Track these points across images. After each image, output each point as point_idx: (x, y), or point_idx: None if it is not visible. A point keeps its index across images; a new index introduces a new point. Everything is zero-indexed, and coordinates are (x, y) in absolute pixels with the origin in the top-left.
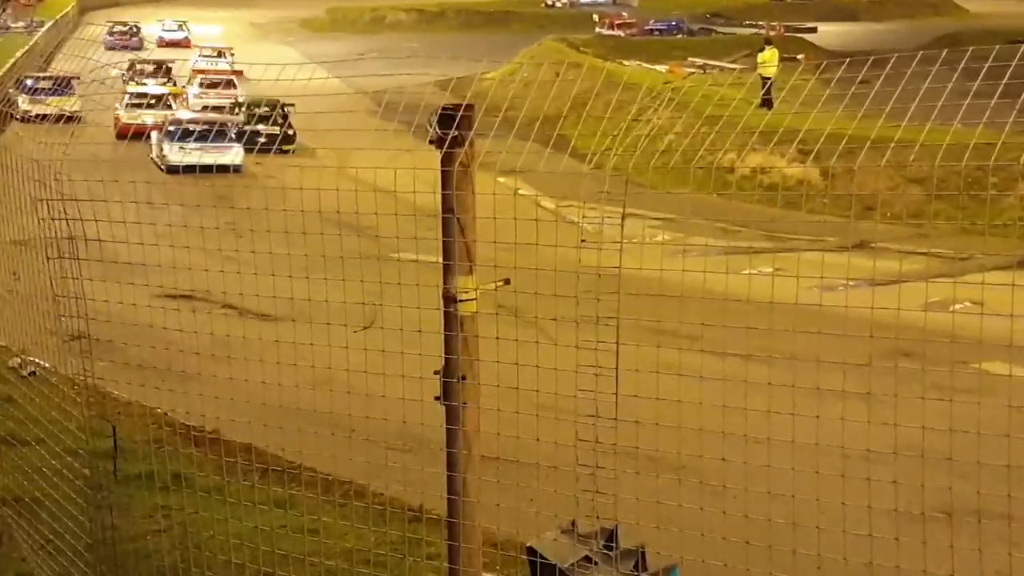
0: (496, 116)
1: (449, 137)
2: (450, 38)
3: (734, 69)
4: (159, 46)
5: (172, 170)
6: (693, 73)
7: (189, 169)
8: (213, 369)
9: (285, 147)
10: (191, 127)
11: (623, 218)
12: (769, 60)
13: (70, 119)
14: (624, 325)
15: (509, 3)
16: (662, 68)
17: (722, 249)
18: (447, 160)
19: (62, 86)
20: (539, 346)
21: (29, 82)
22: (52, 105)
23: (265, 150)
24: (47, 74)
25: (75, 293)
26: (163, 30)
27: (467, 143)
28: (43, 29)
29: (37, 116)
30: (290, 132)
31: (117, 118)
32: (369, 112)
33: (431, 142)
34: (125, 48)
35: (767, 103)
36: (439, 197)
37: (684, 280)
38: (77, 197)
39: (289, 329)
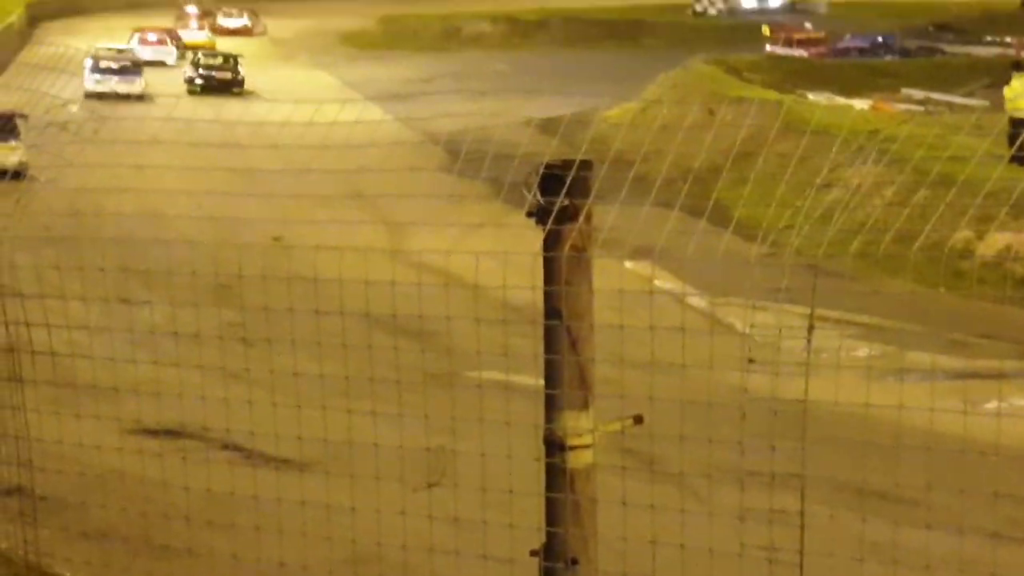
0: (624, 174)
1: (556, 207)
2: (555, 59)
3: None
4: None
5: (89, 95)
6: (909, 112)
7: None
8: (209, 542)
9: (235, 90)
10: (106, 63)
11: (811, 326)
12: (1022, 93)
13: (16, 175)
14: (812, 484)
15: (640, 9)
16: (863, 104)
17: (955, 372)
18: (553, 240)
19: (2, 129)
20: (686, 515)
21: None
22: None
23: (217, 89)
24: None
25: (14, 430)
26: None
27: (582, 216)
28: None
29: None
30: (239, 78)
31: None
32: (441, 168)
33: (530, 214)
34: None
35: (1021, 159)
36: (539, 294)
37: (900, 419)
38: (22, 292)
39: (320, 484)
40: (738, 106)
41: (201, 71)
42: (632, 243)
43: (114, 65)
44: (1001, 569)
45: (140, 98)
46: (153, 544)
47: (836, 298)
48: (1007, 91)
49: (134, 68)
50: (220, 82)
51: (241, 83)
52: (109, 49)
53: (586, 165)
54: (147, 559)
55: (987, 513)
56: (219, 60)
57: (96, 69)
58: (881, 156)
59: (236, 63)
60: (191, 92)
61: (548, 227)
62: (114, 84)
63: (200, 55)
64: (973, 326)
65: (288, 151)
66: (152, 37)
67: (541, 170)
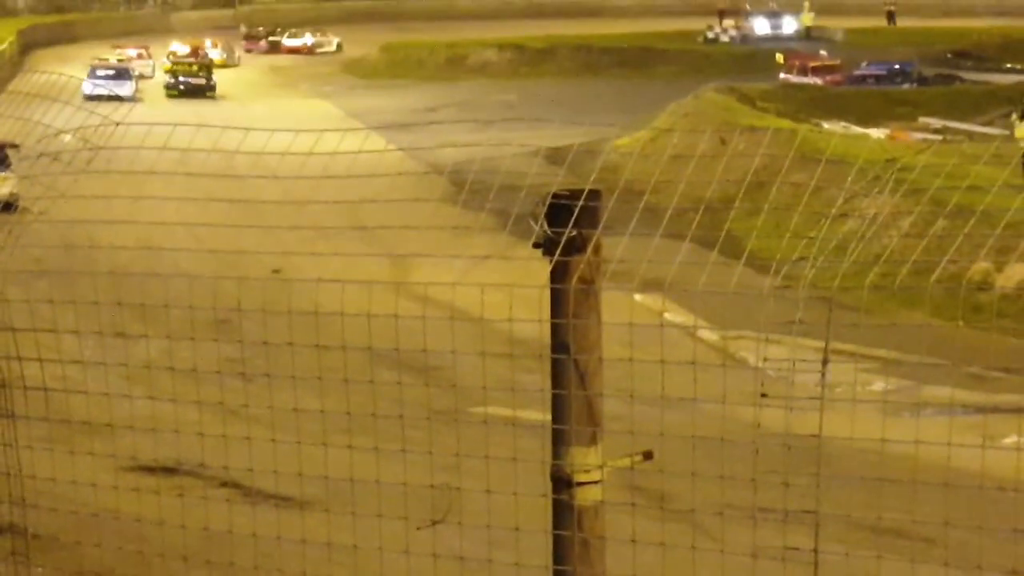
0: (633, 204)
1: (563, 238)
2: (563, 88)
3: (991, 136)
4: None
5: (88, 98)
6: (927, 141)
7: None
8: None
9: (208, 94)
10: (102, 71)
11: (825, 360)
12: None
13: (8, 207)
14: (827, 522)
15: (650, 37)
16: (880, 133)
17: (974, 407)
18: (560, 272)
19: None
20: (697, 553)
21: None
22: None
23: (191, 93)
24: None
25: (6, 467)
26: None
27: (590, 247)
28: None
29: None
30: (211, 83)
31: None
32: (445, 199)
33: (536, 245)
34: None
35: None
36: (546, 327)
37: (917, 454)
38: (14, 325)
39: (322, 522)
40: (750, 135)
41: (180, 78)
42: (642, 275)
43: (109, 72)
44: None
45: (131, 99)
46: None
47: (851, 331)
48: (1016, 120)
49: (126, 74)
50: (195, 87)
51: (213, 88)
52: (104, 59)
53: (594, 195)
54: None
55: (1005, 550)
56: (195, 68)
57: (94, 76)
58: (898, 186)
59: (210, 71)
60: (170, 96)
61: (555, 259)
62: (109, 87)
63: (176, 67)
64: (992, 360)
65: (288, 182)
66: (132, 52)
67: (548, 200)
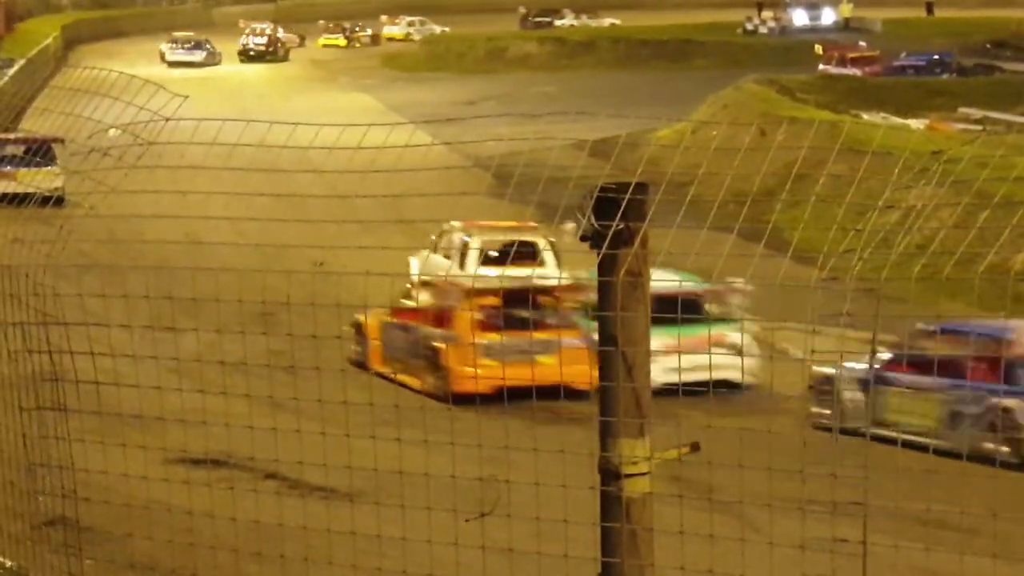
0: (672, 196)
1: (611, 231)
2: (603, 80)
3: None
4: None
5: (171, 64)
6: (969, 132)
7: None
8: (258, 574)
9: (268, 58)
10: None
11: (873, 351)
12: None
13: (48, 200)
14: (875, 514)
15: (689, 29)
16: (919, 124)
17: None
18: (608, 265)
19: (37, 153)
20: (745, 545)
21: None
22: (22, 180)
23: (259, 58)
24: (16, 135)
25: (58, 460)
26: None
27: (637, 240)
28: (11, 71)
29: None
30: (276, 50)
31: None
32: (490, 193)
33: (584, 238)
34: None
35: None
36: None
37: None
38: (65, 319)
39: (371, 514)
40: (790, 126)
41: (252, 43)
42: (687, 268)
43: (186, 44)
44: None
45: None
46: None
47: (897, 324)
48: None
49: (198, 45)
50: (262, 51)
51: (275, 53)
52: (182, 33)
53: (641, 188)
54: None
55: None
56: (264, 39)
57: (174, 45)
58: (944, 178)
59: (277, 41)
60: (242, 60)
61: (603, 252)
62: (185, 56)
63: (250, 36)
64: None
65: (333, 177)
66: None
67: (595, 193)
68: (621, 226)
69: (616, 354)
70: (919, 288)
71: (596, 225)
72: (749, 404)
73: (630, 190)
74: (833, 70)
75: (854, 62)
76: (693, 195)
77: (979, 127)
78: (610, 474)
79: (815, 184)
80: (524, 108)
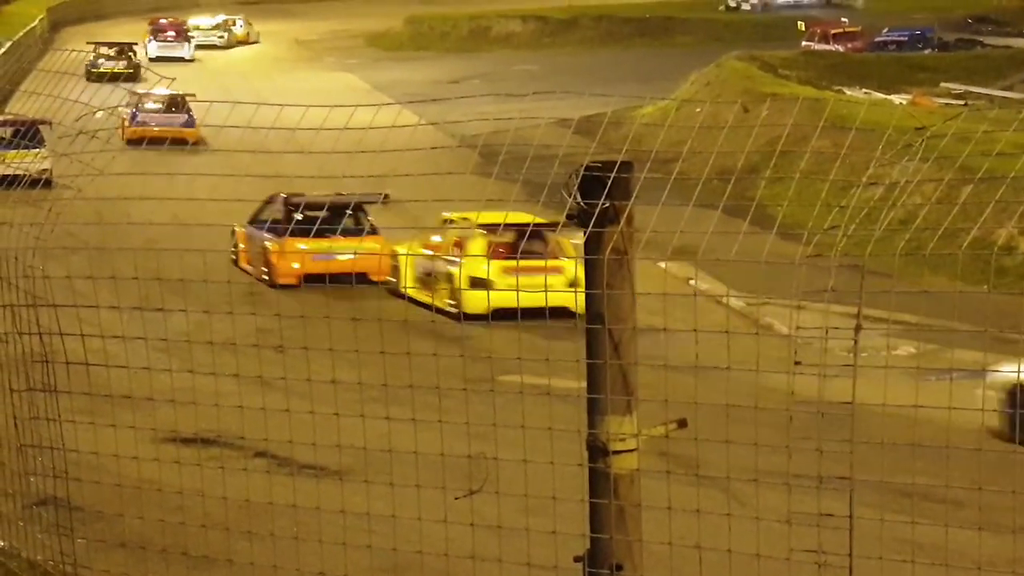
0: (655, 174)
1: (596, 210)
2: (585, 58)
3: (1012, 100)
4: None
5: (153, 60)
6: (952, 107)
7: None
8: (248, 552)
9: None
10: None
11: (858, 326)
12: None
13: (36, 182)
14: (860, 487)
15: (672, 6)
16: (901, 99)
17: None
18: (593, 243)
19: (25, 135)
20: (732, 520)
21: None
22: (9, 162)
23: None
24: (4, 117)
25: (49, 441)
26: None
27: (623, 218)
28: None
29: None
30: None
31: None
32: (476, 171)
33: (570, 217)
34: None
35: None
36: (581, 297)
37: (951, 419)
38: (54, 301)
39: (360, 492)
40: (773, 103)
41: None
42: (672, 245)
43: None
44: None
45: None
46: (190, 555)
47: (878, 298)
48: None
49: (183, 38)
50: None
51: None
52: (165, 20)
53: (626, 166)
54: (185, 569)
55: None
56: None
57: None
58: (927, 154)
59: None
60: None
61: (589, 230)
62: (169, 51)
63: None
64: (1018, 323)
65: (321, 157)
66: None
67: (580, 172)
68: (607, 204)
69: (603, 331)
70: (903, 263)
71: (582, 204)
72: (735, 380)
73: (615, 169)
74: (815, 46)
75: (836, 38)
76: (678, 173)
77: (961, 102)
78: (598, 451)
79: (799, 160)
80: (508, 87)
